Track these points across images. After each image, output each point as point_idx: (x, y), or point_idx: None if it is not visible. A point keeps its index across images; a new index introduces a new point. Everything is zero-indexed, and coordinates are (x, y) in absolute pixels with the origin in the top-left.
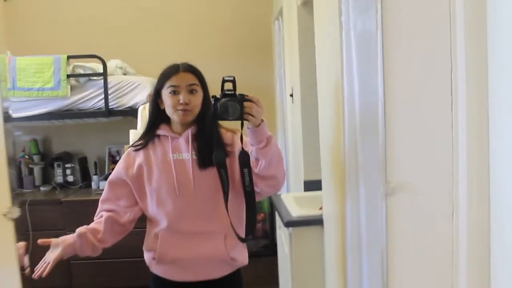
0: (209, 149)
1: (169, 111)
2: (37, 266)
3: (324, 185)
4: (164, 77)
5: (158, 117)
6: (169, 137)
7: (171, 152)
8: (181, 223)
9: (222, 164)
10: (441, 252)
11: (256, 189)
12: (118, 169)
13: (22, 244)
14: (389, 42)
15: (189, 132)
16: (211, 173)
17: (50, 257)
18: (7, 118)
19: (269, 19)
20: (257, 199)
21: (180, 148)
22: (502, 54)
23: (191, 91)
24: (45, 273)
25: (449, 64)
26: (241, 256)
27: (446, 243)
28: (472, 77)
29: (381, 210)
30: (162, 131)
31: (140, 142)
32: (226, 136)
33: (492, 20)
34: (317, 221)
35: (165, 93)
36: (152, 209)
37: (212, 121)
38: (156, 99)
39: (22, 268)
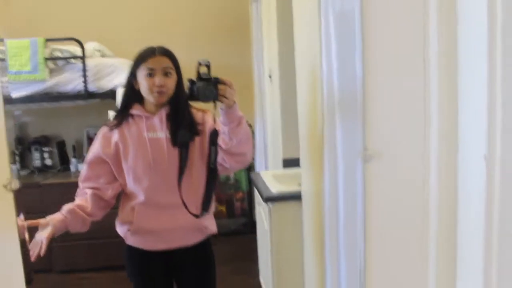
0: (185, 127)
1: (144, 92)
2: (31, 247)
3: (302, 161)
4: (140, 59)
5: (131, 97)
6: (143, 116)
7: (146, 131)
8: (156, 196)
9: (185, 144)
10: (414, 218)
11: (225, 164)
12: (95, 148)
13: (22, 218)
14: (367, 21)
15: (163, 112)
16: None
17: (42, 235)
18: None
19: (246, 1)
20: (225, 173)
21: (154, 127)
22: (471, 30)
23: (166, 74)
24: (42, 252)
25: (422, 41)
26: (212, 224)
27: (418, 209)
28: (443, 52)
29: (359, 176)
30: (136, 110)
31: (114, 121)
32: (197, 116)
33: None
34: (296, 197)
35: (141, 74)
36: (129, 185)
37: (187, 102)
38: (131, 79)
39: (23, 243)
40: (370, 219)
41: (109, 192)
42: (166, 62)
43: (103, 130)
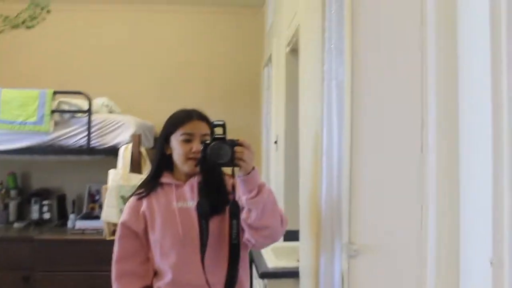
0: (213, 196)
1: (179, 159)
2: None
3: (301, 236)
4: (177, 122)
5: (163, 163)
6: (173, 185)
7: (176, 201)
8: (186, 275)
9: (205, 215)
10: None
11: (252, 240)
12: (124, 221)
13: None
14: (359, 94)
15: (194, 179)
16: (217, 221)
17: None
18: None
19: (259, 65)
20: (256, 249)
21: (185, 196)
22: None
23: (203, 141)
24: None
25: (420, 118)
26: None
27: None
28: (442, 134)
29: (340, 273)
30: (166, 179)
31: (142, 190)
32: (229, 183)
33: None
34: (293, 274)
35: (176, 139)
36: (156, 261)
37: (202, 168)
38: (163, 144)
39: None
40: None
41: (149, 273)
42: (205, 128)
43: (131, 201)
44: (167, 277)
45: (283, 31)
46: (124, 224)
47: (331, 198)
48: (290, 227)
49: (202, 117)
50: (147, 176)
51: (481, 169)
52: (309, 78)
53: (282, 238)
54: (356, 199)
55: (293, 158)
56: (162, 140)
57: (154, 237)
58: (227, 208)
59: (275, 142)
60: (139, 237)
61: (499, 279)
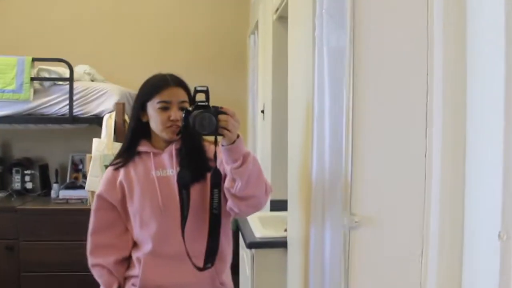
0: (194, 164)
1: (157, 127)
2: None
3: (289, 206)
4: (153, 89)
5: (139, 132)
6: (151, 153)
7: (154, 169)
8: (166, 245)
9: (185, 185)
10: None
11: (235, 209)
12: (100, 192)
13: None
14: (360, 61)
15: (172, 146)
16: (197, 189)
17: None
18: None
19: (244, 33)
20: (240, 217)
21: (164, 164)
22: (480, 82)
23: (182, 108)
24: None
25: (425, 86)
26: (229, 279)
27: (415, 283)
28: (448, 101)
29: (344, 245)
30: (143, 147)
31: (119, 159)
32: (210, 149)
33: (470, 45)
34: (280, 243)
35: (153, 107)
36: (136, 231)
37: (184, 136)
38: (138, 112)
39: None
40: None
41: (127, 246)
42: (182, 95)
43: (108, 171)
44: (147, 247)
45: None
46: (100, 196)
47: (322, 168)
48: (277, 196)
49: (179, 83)
50: (123, 145)
51: (490, 135)
52: (299, 44)
53: (268, 207)
54: (358, 170)
55: (280, 127)
56: (138, 107)
57: (133, 207)
58: (208, 176)
59: (262, 111)
60: (116, 209)
61: (508, 252)
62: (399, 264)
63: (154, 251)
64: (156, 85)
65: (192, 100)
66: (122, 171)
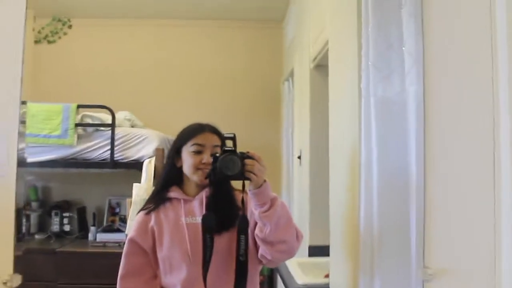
0: (222, 210)
1: (189, 170)
2: None
3: (332, 251)
4: (188, 134)
5: (172, 176)
6: (182, 200)
7: (184, 216)
8: None
9: (209, 229)
10: None
11: (267, 256)
12: (132, 237)
13: None
14: (428, 110)
15: (203, 194)
16: (226, 236)
17: None
18: (22, 163)
19: (278, 80)
20: (271, 266)
21: (193, 211)
22: None
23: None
24: None
25: (492, 139)
26: None
27: None
28: None
29: None
30: (174, 193)
31: (150, 204)
32: (239, 198)
33: None
34: None
35: (187, 150)
36: (164, 277)
37: (211, 180)
38: (173, 156)
39: None
40: None
41: None
42: (216, 140)
43: (139, 215)
44: None
45: (306, 46)
46: (132, 240)
47: (371, 215)
48: (315, 242)
49: (213, 130)
50: (155, 189)
51: None
52: (342, 94)
53: (307, 253)
54: (430, 222)
55: (318, 172)
56: (173, 152)
57: (162, 253)
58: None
59: (299, 157)
60: (147, 254)
61: None
62: None
63: None
64: (192, 130)
65: (221, 147)
66: (153, 216)
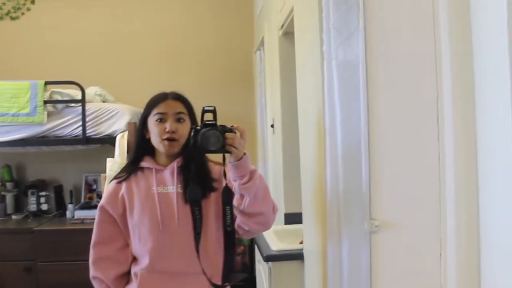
0: (198, 181)
1: (155, 140)
2: None
3: (304, 218)
4: (152, 104)
5: (142, 147)
6: (154, 169)
7: (156, 185)
8: (163, 262)
9: (196, 202)
10: None
11: (245, 227)
12: (102, 204)
13: None
14: (373, 71)
15: (174, 164)
16: (204, 207)
17: None
18: None
19: (250, 50)
20: (247, 237)
21: (165, 180)
22: (487, 81)
23: (179, 120)
24: None
25: (435, 92)
26: None
27: (435, 284)
28: (458, 105)
29: (365, 249)
30: (146, 163)
31: (123, 174)
32: (214, 170)
33: (477, 46)
34: (297, 256)
35: (152, 120)
36: (134, 246)
37: (192, 153)
38: (141, 128)
39: None
40: None
41: (127, 260)
42: (179, 107)
43: (111, 184)
44: (144, 262)
45: (274, 15)
46: (102, 208)
47: (336, 178)
48: (290, 210)
49: (177, 97)
50: (128, 161)
51: (500, 133)
52: (307, 59)
53: (282, 221)
54: (376, 176)
55: (291, 140)
56: (141, 124)
57: (133, 221)
58: (212, 194)
59: (272, 126)
60: (117, 222)
61: None
62: (419, 266)
63: (151, 266)
64: (155, 99)
65: (194, 120)
66: (124, 185)
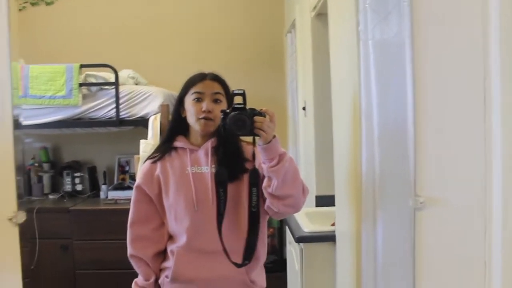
0: (229, 163)
1: (191, 119)
2: None
3: (337, 200)
4: (189, 83)
5: (178, 126)
6: (188, 149)
7: (190, 165)
8: (199, 240)
9: (223, 183)
10: (473, 275)
11: (274, 208)
12: (139, 184)
13: None
14: (419, 48)
15: (209, 144)
16: (232, 188)
17: None
18: (18, 125)
19: (281, 32)
20: (277, 218)
21: (199, 161)
22: None
23: (215, 100)
24: None
25: (482, 71)
26: (261, 278)
27: (479, 263)
28: (507, 85)
29: (409, 226)
30: (179, 143)
31: (157, 153)
32: (247, 150)
33: None
34: (329, 237)
35: (189, 100)
36: (171, 225)
37: (221, 136)
38: (178, 106)
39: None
40: (420, 271)
41: (163, 239)
42: (216, 87)
43: (146, 164)
44: (181, 240)
45: None
46: (138, 188)
47: (372, 160)
48: (322, 192)
49: (215, 78)
50: (162, 140)
51: None
52: (342, 40)
53: (314, 203)
54: (421, 154)
55: (323, 122)
56: (177, 103)
57: (168, 201)
58: (244, 176)
59: (303, 108)
60: (153, 201)
61: None
62: (464, 242)
63: (187, 245)
64: (193, 79)
65: (230, 102)
66: (159, 165)
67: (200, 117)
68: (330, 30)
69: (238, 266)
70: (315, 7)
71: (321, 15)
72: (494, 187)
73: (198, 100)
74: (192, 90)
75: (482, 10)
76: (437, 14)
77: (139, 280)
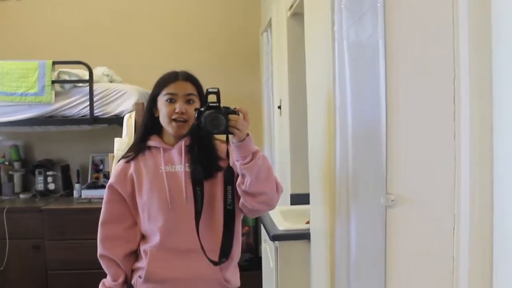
0: (204, 161)
1: (164, 120)
2: None
3: (312, 198)
4: (162, 84)
5: (151, 125)
6: (161, 148)
7: (164, 164)
8: (173, 239)
9: (199, 182)
10: (442, 270)
11: (248, 206)
12: (111, 183)
13: None
14: (391, 48)
15: (182, 143)
16: (207, 186)
17: None
18: None
19: (257, 31)
20: (252, 216)
21: (173, 159)
22: (506, 63)
23: (188, 101)
24: None
25: (452, 72)
26: (235, 277)
27: (447, 258)
28: (476, 86)
29: (380, 224)
30: (153, 142)
31: (131, 153)
32: (220, 148)
33: (496, 27)
34: (304, 235)
35: (161, 100)
36: (144, 224)
37: (195, 134)
38: (151, 106)
39: None
40: (391, 267)
41: (135, 239)
42: (189, 88)
43: (119, 163)
44: (155, 240)
45: None
46: (111, 187)
47: (346, 158)
48: (297, 190)
49: (187, 77)
50: (135, 139)
51: None
52: (317, 40)
53: (289, 202)
54: (392, 153)
55: (298, 121)
56: (150, 102)
57: (142, 200)
58: (219, 174)
59: (279, 107)
60: (126, 201)
61: None
62: (433, 238)
63: (161, 244)
64: (165, 79)
65: (204, 100)
66: (132, 164)
67: (173, 117)
68: (306, 29)
69: (215, 264)
70: (291, 7)
71: (297, 15)
72: (462, 186)
73: (171, 101)
74: (165, 91)
75: (453, 13)
76: (410, 16)
77: (107, 280)
